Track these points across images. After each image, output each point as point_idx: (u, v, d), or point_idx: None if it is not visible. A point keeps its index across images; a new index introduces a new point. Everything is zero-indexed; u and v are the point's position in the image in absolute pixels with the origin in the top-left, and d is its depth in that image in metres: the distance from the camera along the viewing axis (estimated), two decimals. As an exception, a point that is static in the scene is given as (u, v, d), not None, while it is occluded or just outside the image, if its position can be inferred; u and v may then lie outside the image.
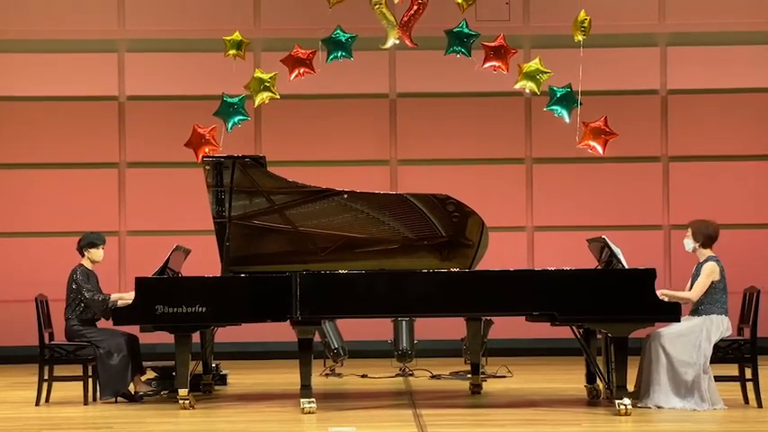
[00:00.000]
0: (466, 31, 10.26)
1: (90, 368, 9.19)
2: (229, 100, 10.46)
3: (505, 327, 11.09)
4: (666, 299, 8.50)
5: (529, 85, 10.31)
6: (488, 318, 10.51)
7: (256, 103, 10.49)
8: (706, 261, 8.71)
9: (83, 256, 9.43)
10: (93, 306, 9.17)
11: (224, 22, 12.95)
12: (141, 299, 8.64)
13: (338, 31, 10.31)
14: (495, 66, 10.32)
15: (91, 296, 9.19)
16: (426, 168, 13.43)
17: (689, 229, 8.84)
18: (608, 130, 10.36)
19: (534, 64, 10.30)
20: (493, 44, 10.29)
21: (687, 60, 13.52)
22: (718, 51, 13.50)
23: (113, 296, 9.19)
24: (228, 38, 10.45)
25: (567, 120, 10.32)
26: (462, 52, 10.30)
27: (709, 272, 8.64)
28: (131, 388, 9.31)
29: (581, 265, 9.08)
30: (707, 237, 8.78)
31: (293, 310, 8.46)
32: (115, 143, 13.49)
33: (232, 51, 10.42)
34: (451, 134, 13.49)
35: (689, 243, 8.83)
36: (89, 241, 9.43)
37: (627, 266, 8.56)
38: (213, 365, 10.20)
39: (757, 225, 13.46)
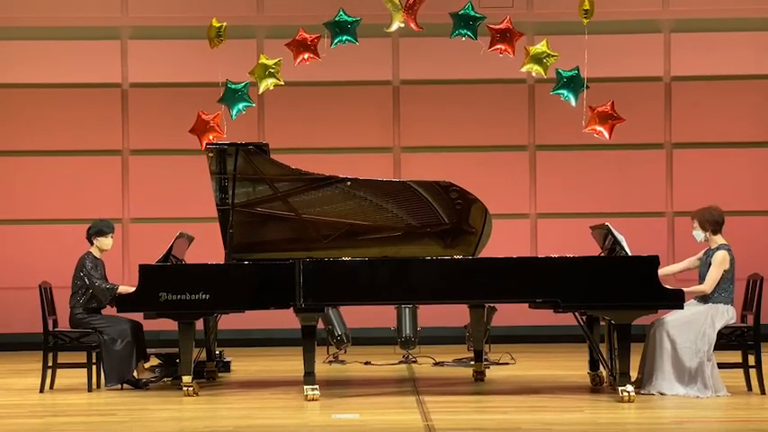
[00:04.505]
0: (471, 13, 10.20)
1: (94, 355, 9.20)
2: (233, 86, 10.43)
3: (508, 314, 11.11)
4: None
5: (536, 69, 10.23)
6: (491, 305, 10.51)
7: (261, 90, 10.46)
8: (718, 249, 8.68)
9: (91, 244, 9.41)
10: (100, 295, 9.17)
11: (227, 8, 12.92)
12: (145, 286, 8.64)
13: (341, 14, 10.25)
14: (501, 49, 10.26)
15: (99, 285, 9.18)
16: (429, 155, 13.42)
17: (694, 221, 8.79)
18: (615, 114, 10.32)
19: (541, 46, 10.23)
20: (499, 26, 10.24)
21: (691, 47, 13.49)
22: (721, 38, 13.46)
23: (120, 287, 9.20)
24: (209, 26, 10.36)
25: (574, 103, 10.26)
26: (468, 35, 10.23)
27: (721, 260, 8.60)
28: (135, 375, 9.32)
29: (584, 252, 9.08)
30: (714, 223, 8.74)
31: (296, 298, 8.46)
32: (118, 130, 13.48)
33: (216, 40, 10.32)
34: (455, 121, 13.47)
35: (699, 234, 8.78)
36: (98, 229, 9.42)
37: (630, 253, 8.55)
38: (217, 352, 10.22)
39: (761, 212, 13.44)
